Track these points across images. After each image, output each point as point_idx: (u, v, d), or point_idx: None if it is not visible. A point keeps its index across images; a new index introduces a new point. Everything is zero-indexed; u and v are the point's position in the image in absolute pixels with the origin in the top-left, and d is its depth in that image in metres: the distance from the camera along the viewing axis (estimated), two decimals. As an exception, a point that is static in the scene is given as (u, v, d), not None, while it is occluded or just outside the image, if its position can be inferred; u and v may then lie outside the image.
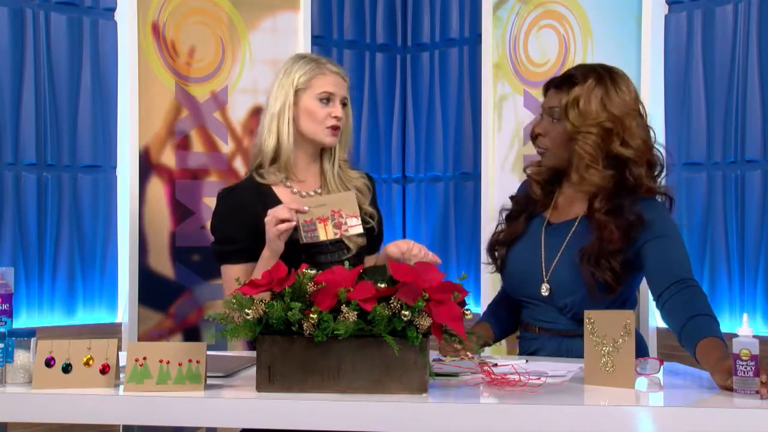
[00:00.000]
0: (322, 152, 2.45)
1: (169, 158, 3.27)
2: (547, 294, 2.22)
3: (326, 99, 2.36)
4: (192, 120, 3.31)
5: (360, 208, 2.38)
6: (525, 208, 2.36)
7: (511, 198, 2.44)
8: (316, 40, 3.61)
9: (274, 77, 2.46)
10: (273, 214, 2.20)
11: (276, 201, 2.37)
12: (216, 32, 3.37)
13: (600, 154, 2.16)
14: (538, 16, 3.43)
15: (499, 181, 3.51)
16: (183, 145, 3.29)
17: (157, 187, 3.25)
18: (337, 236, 2.20)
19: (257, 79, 3.44)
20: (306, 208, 2.19)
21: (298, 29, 3.52)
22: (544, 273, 2.24)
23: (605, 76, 2.21)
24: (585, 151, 2.16)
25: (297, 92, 2.37)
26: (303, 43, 3.50)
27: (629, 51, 3.16)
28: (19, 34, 3.10)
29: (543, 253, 2.26)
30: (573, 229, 2.25)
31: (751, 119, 2.96)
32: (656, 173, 2.25)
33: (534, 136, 2.31)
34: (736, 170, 3.01)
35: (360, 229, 2.22)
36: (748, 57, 2.97)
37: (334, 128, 2.37)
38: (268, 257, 2.23)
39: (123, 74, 3.23)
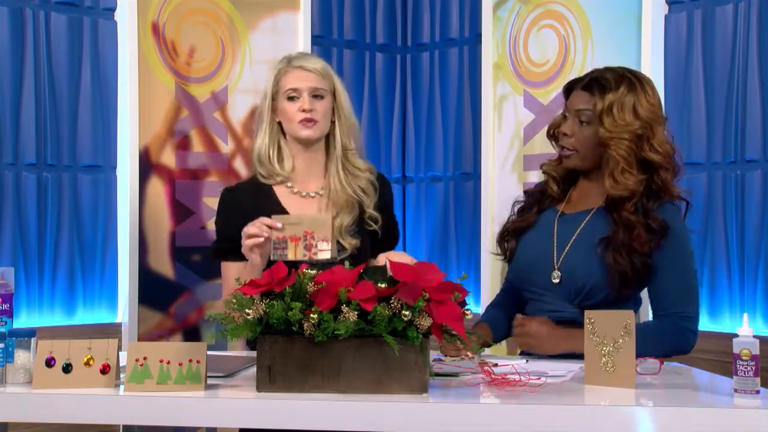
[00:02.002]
0: (328, 147, 2.44)
1: (169, 158, 3.27)
2: (557, 281, 2.24)
3: (293, 96, 2.37)
4: (192, 120, 3.31)
5: (364, 210, 2.37)
6: (538, 201, 2.38)
7: (525, 192, 2.46)
8: (316, 40, 3.61)
9: None
10: (244, 230, 2.22)
11: (274, 201, 2.38)
12: (216, 32, 3.37)
13: (634, 159, 2.19)
14: (538, 16, 3.43)
15: (499, 181, 3.51)
16: (183, 145, 3.29)
17: (157, 187, 3.25)
18: (305, 258, 2.15)
19: (257, 79, 3.43)
20: (279, 225, 2.17)
21: (298, 29, 3.52)
22: (555, 260, 2.25)
23: (635, 82, 2.24)
24: (620, 155, 2.19)
25: (274, 96, 2.40)
26: (303, 43, 3.50)
27: (629, 51, 3.16)
28: (19, 34, 3.10)
29: (555, 241, 2.28)
30: (587, 219, 2.27)
31: (751, 119, 2.97)
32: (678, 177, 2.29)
33: (553, 135, 2.32)
34: (736, 170, 3.01)
35: (328, 255, 2.16)
36: (748, 57, 2.97)
37: (307, 120, 2.36)
38: (249, 271, 2.23)
39: (123, 74, 3.23)
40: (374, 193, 2.43)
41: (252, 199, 2.36)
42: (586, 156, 2.26)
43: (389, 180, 2.57)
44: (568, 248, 2.25)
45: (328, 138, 2.43)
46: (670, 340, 2.13)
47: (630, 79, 2.24)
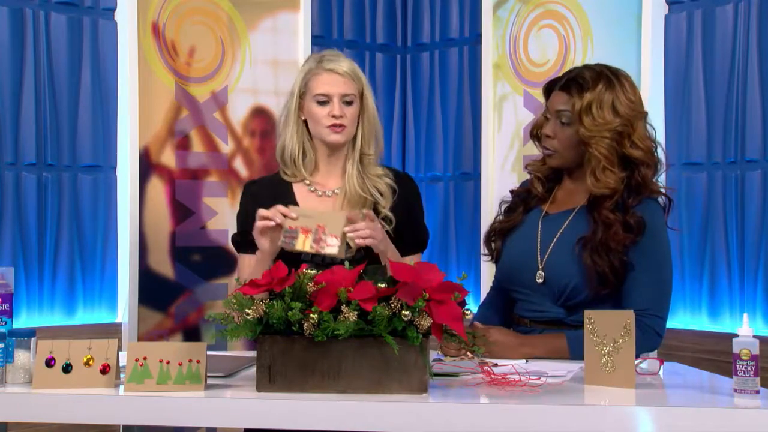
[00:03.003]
0: (350, 147, 2.40)
1: (169, 158, 3.27)
2: (541, 281, 2.23)
3: (324, 101, 2.33)
4: (192, 120, 3.31)
5: (378, 211, 2.32)
6: (524, 201, 2.38)
7: (512, 192, 2.45)
8: (316, 40, 3.61)
9: None
10: (259, 211, 2.21)
11: (291, 198, 2.37)
12: (216, 32, 3.37)
13: (615, 157, 2.19)
14: (538, 16, 3.43)
15: (499, 181, 3.51)
16: (183, 145, 3.29)
17: (157, 187, 3.25)
18: (312, 250, 2.12)
19: (257, 79, 3.44)
20: (294, 215, 2.16)
21: (298, 29, 3.52)
22: (539, 260, 2.25)
23: (613, 79, 2.22)
24: (601, 154, 2.18)
25: (301, 96, 2.36)
26: (303, 43, 3.50)
27: (629, 51, 3.16)
28: (19, 34, 3.10)
29: (539, 241, 2.27)
30: (570, 218, 2.26)
31: (751, 119, 2.97)
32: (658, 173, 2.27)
33: (536, 135, 2.33)
34: (736, 170, 3.01)
35: (335, 251, 2.11)
36: (748, 57, 2.97)
37: (336, 126, 2.33)
38: (259, 258, 2.25)
39: (123, 74, 3.23)
40: (392, 195, 2.38)
41: (270, 194, 2.35)
42: (568, 156, 2.26)
43: (414, 180, 2.50)
44: (550, 248, 2.25)
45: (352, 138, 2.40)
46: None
47: (608, 77, 2.23)
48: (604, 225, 2.17)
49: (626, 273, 2.16)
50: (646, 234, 2.15)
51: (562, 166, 2.30)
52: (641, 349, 2.08)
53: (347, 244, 2.27)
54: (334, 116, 2.32)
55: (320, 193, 2.39)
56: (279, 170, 2.45)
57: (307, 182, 2.40)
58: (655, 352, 2.89)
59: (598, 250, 2.15)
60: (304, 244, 2.11)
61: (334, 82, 2.34)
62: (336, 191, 2.39)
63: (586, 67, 2.28)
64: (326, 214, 2.17)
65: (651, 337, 2.14)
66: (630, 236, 2.14)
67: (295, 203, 2.36)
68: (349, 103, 2.34)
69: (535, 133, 2.35)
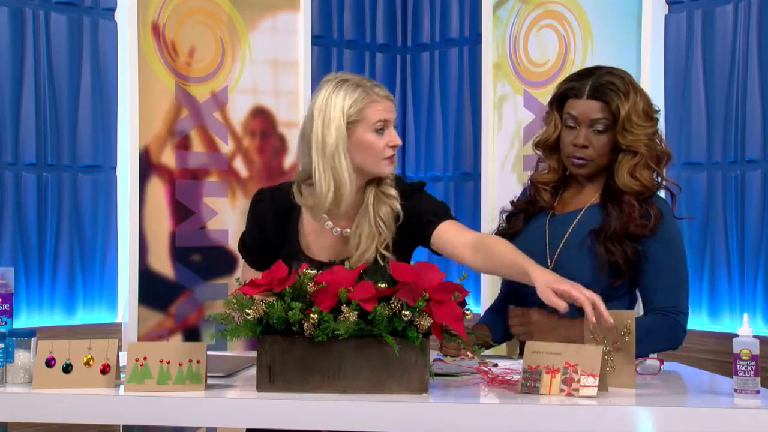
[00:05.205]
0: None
1: (169, 158, 3.27)
2: None
3: (382, 129, 2.16)
4: (192, 120, 3.31)
5: (380, 233, 2.18)
6: (525, 208, 2.37)
7: (512, 203, 2.45)
8: (316, 40, 3.61)
9: (311, 104, 2.19)
10: None
11: (296, 224, 2.25)
12: (216, 32, 3.37)
13: (654, 155, 2.23)
14: (538, 16, 3.43)
15: (499, 181, 3.51)
16: (183, 145, 3.29)
17: (157, 187, 3.25)
18: (563, 393, 1.75)
19: (257, 79, 3.44)
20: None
21: (298, 29, 3.52)
22: (548, 260, 2.24)
23: (634, 83, 2.25)
24: (644, 154, 2.21)
25: (348, 125, 2.14)
26: (303, 43, 3.50)
27: (629, 51, 3.16)
28: (19, 34, 3.10)
29: (547, 241, 2.28)
30: (579, 216, 2.27)
31: (751, 119, 2.97)
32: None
33: (549, 147, 2.31)
34: (736, 170, 3.01)
35: (593, 393, 1.74)
36: (748, 57, 2.97)
37: (393, 156, 2.19)
38: None
39: (123, 74, 3.23)
40: (395, 223, 2.21)
41: (275, 217, 2.24)
42: (601, 163, 2.27)
43: (414, 187, 2.30)
44: (561, 246, 2.25)
45: None
46: (663, 337, 2.12)
47: (631, 81, 2.25)
48: (626, 211, 2.18)
49: (639, 264, 2.17)
50: (662, 226, 2.17)
51: (593, 173, 2.29)
52: (669, 347, 2.11)
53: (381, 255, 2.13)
54: (393, 146, 2.18)
55: (336, 231, 2.22)
56: (293, 186, 2.23)
57: (324, 215, 2.21)
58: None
59: (612, 239, 2.16)
60: (550, 387, 1.76)
61: (390, 109, 2.19)
62: (347, 231, 2.22)
63: (603, 72, 2.26)
64: (575, 350, 1.78)
65: (679, 334, 2.15)
66: (648, 224, 2.15)
67: (297, 235, 2.23)
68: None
69: (546, 145, 2.33)
